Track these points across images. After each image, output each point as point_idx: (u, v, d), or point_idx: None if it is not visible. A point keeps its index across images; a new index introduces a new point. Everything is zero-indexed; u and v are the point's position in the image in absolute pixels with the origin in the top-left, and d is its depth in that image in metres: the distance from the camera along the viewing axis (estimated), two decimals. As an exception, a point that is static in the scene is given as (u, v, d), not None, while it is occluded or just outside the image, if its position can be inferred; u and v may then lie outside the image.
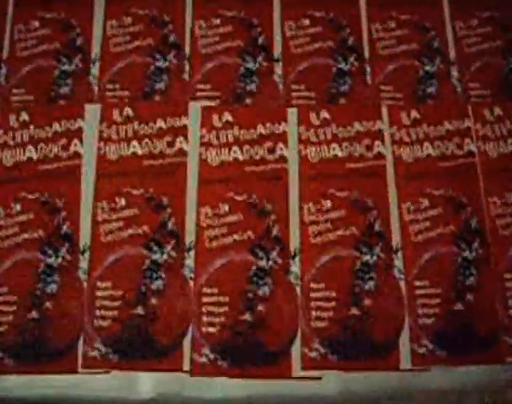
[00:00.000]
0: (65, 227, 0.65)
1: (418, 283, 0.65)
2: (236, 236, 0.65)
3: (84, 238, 0.65)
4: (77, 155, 0.68)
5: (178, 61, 0.71)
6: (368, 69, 0.73)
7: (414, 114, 0.70)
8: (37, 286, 0.63)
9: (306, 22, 0.74)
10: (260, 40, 0.73)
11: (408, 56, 0.73)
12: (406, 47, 0.74)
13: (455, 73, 0.73)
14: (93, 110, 0.69)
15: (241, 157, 0.68)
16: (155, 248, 0.64)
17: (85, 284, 0.64)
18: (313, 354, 0.63)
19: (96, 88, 0.71)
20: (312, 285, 0.64)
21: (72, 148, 0.68)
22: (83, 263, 0.64)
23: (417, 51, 0.74)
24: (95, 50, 0.72)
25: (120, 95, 0.70)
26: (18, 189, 0.66)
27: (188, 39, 0.73)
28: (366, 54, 0.73)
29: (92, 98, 0.70)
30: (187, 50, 0.72)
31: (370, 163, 0.68)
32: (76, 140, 0.68)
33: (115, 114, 0.69)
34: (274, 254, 0.64)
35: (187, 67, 0.71)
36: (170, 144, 0.68)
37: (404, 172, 0.68)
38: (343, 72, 0.72)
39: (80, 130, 0.68)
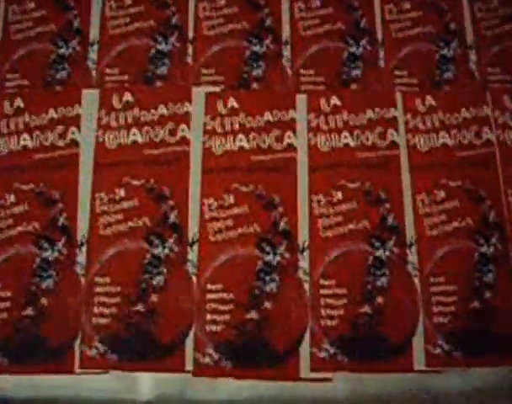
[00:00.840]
0: (61, 219, 0.63)
1: (433, 279, 0.62)
2: (241, 230, 0.62)
3: (82, 231, 0.62)
4: (74, 143, 0.65)
5: (180, 44, 0.69)
6: (381, 53, 0.69)
7: (430, 100, 0.67)
8: (32, 281, 0.61)
9: (317, 2, 0.71)
10: (268, 22, 0.70)
11: (423, 39, 0.70)
12: (421, 29, 0.71)
13: (473, 57, 0.70)
14: (91, 96, 0.66)
15: (247, 146, 0.65)
16: (156, 242, 0.62)
17: (83, 280, 0.61)
18: (323, 355, 0.60)
19: (94, 73, 0.68)
20: (322, 282, 0.62)
21: (69, 136, 0.65)
22: (81, 258, 0.62)
23: (433, 34, 0.70)
24: (93, 32, 0.69)
25: (119, 80, 0.67)
26: (12, 179, 0.63)
27: (191, 21, 0.70)
28: (379, 37, 0.70)
29: (90, 83, 0.67)
30: (190, 32, 0.69)
31: (383, 153, 0.65)
32: (73, 128, 0.65)
33: (115, 100, 0.66)
34: (281, 249, 0.62)
35: (190, 51, 0.68)
36: (172, 132, 0.65)
37: (419, 162, 0.65)
38: (354, 56, 0.69)
39: (77, 116, 0.66)
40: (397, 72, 0.69)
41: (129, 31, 0.69)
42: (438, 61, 0.69)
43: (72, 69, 0.68)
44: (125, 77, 0.67)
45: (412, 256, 0.62)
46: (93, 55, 0.69)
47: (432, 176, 0.65)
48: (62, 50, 0.68)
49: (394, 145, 0.66)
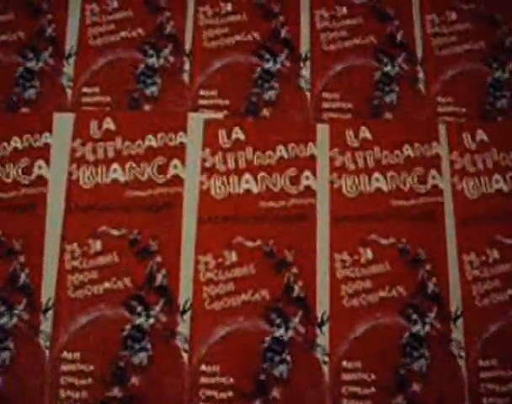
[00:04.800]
0: (23, 277, 0.54)
1: (482, 362, 0.54)
2: (245, 296, 0.54)
3: (47, 292, 0.54)
4: (41, 180, 0.57)
5: (175, 59, 0.61)
6: (421, 74, 0.62)
7: (481, 135, 0.60)
8: (-17, 355, 0.53)
9: (343, 10, 0.64)
10: (283, 33, 0.63)
11: (472, 58, 0.63)
12: (470, 46, 0.63)
13: (534, 82, 0.63)
14: (64, 121, 0.58)
15: (254, 189, 0.57)
16: (139, 309, 0.54)
17: (47, 354, 0.53)
18: None
19: (69, 93, 0.60)
20: (345, 364, 0.53)
21: (35, 171, 0.57)
22: (45, 326, 0.54)
23: (485, 52, 0.63)
24: (70, 42, 0.62)
25: (99, 102, 0.60)
26: (-38, 225, 0.56)
27: (189, 30, 0.63)
28: (419, 54, 0.63)
29: (63, 106, 0.59)
30: (187, 44, 0.62)
31: (424, 200, 0.58)
32: (40, 161, 0.57)
33: (93, 127, 0.58)
34: (295, 321, 0.54)
35: (187, 67, 0.61)
36: (162, 169, 0.57)
37: (467, 212, 0.58)
38: (389, 78, 0.61)
39: (46, 147, 0.58)
40: (440, 99, 0.61)
41: (113, 42, 0.62)
42: (491, 86, 0.62)
43: (43, 87, 0.60)
44: (107, 99, 0.60)
45: (457, 332, 0.54)
46: (68, 70, 0.61)
47: (483, 230, 0.57)
48: (31, 64, 0.61)
49: (437, 190, 0.58)
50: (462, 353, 0.54)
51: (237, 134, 0.58)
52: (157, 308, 0.54)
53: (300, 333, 0.53)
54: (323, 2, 0.63)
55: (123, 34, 0.61)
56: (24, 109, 0.59)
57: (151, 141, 0.58)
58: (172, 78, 0.60)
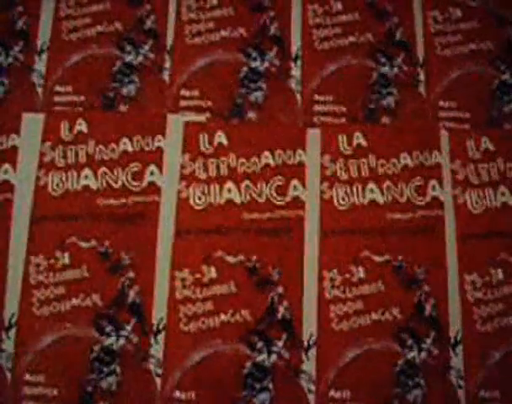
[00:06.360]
0: None
1: (483, 393, 0.51)
2: (225, 317, 0.51)
3: (10, 309, 0.51)
4: (6, 186, 0.54)
5: (155, 56, 0.58)
6: (421, 76, 0.59)
7: (486, 143, 0.57)
8: None
9: (338, 5, 0.61)
10: (272, 29, 0.60)
11: (478, 60, 0.60)
12: (476, 46, 0.60)
13: (545, 85, 0.60)
14: (32, 122, 0.56)
15: (237, 199, 0.54)
16: (108, 329, 0.51)
17: (8, 376, 0.50)
18: None
19: (40, 91, 0.57)
20: (332, 394, 0.50)
21: (0, 176, 0.54)
22: (7, 345, 0.51)
23: (492, 53, 0.60)
24: (42, 36, 0.59)
25: (72, 101, 0.57)
26: None
27: (171, 25, 0.60)
28: (420, 54, 0.60)
29: (33, 105, 0.57)
30: (169, 39, 0.59)
31: (422, 213, 0.55)
32: (6, 166, 0.54)
33: (63, 129, 0.55)
34: (279, 345, 0.51)
35: (167, 64, 0.58)
36: (138, 175, 0.54)
37: (469, 227, 0.55)
38: (386, 79, 0.59)
39: (13, 149, 0.55)
40: (442, 103, 0.59)
41: (88, 36, 0.59)
42: (497, 89, 0.59)
43: (12, 84, 0.57)
44: (81, 99, 0.57)
45: (456, 359, 0.51)
46: (39, 66, 0.58)
47: (487, 248, 0.54)
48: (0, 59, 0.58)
49: (437, 203, 0.55)
50: (462, 383, 0.51)
51: (220, 138, 0.56)
52: (129, 328, 0.51)
53: (283, 359, 0.51)
54: (317, -3, 0.61)
55: (99, 28, 0.59)
56: (-10, 109, 0.56)
57: (126, 145, 0.55)
58: (151, 77, 0.58)
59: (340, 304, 0.52)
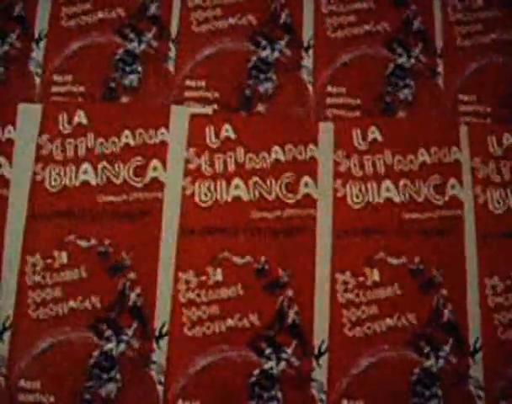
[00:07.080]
0: None
1: None
2: (231, 321, 0.50)
3: (5, 310, 0.50)
4: (1, 181, 0.53)
5: (159, 44, 0.58)
6: (440, 68, 0.58)
7: (508, 139, 0.55)
8: None
9: None
10: (283, 17, 0.59)
11: (500, 50, 0.58)
12: (498, 36, 0.59)
13: None
14: (30, 113, 0.55)
15: (245, 196, 0.53)
16: (108, 333, 0.50)
17: (2, 382, 0.49)
18: None
19: (38, 80, 0.56)
20: (345, 403, 0.49)
21: None
22: (1, 349, 0.50)
23: None
24: (40, 23, 0.58)
25: (71, 91, 0.56)
26: None
27: (176, 12, 0.59)
28: (439, 44, 0.59)
29: (30, 95, 0.56)
30: (174, 27, 0.58)
31: (441, 213, 0.53)
32: (1, 159, 0.53)
33: (62, 121, 0.54)
34: (288, 352, 0.49)
35: (172, 53, 0.57)
36: (140, 171, 0.53)
37: (490, 228, 0.53)
38: (403, 71, 0.58)
39: (9, 142, 0.54)
40: (461, 96, 0.58)
41: (89, 23, 0.58)
42: None
43: (8, 73, 0.56)
44: (80, 89, 0.56)
45: (475, 370, 0.50)
46: (37, 54, 0.57)
47: (509, 250, 0.52)
48: (-5, 47, 0.57)
49: (456, 202, 0.53)
50: (481, 394, 0.49)
51: (227, 132, 0.55)
52: (130, 332, 0.50)
53: (293, 366, 0.49)
54: (329, -17, 0.59)
55: (100, 14, 0.58)
56: (-15, 99, 0.55)
57: (128, 138, 0.54)
58: (154, 66, 0.57)
59: (353, 308, 0.50)
